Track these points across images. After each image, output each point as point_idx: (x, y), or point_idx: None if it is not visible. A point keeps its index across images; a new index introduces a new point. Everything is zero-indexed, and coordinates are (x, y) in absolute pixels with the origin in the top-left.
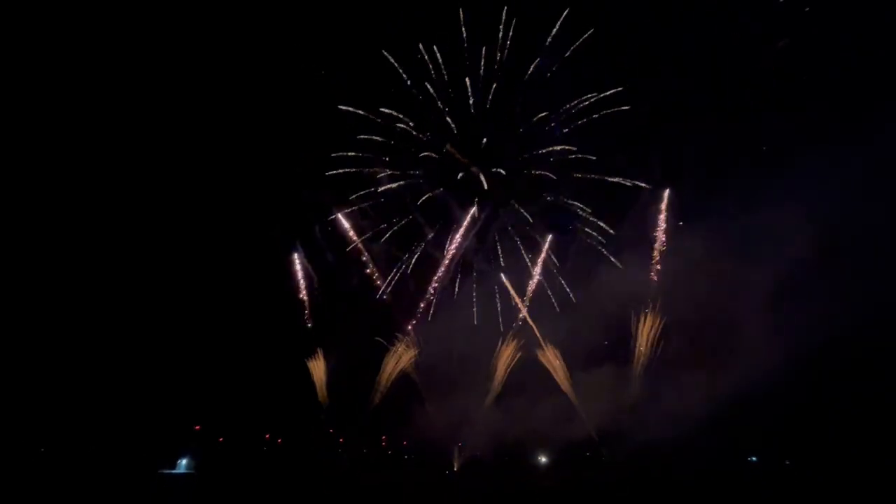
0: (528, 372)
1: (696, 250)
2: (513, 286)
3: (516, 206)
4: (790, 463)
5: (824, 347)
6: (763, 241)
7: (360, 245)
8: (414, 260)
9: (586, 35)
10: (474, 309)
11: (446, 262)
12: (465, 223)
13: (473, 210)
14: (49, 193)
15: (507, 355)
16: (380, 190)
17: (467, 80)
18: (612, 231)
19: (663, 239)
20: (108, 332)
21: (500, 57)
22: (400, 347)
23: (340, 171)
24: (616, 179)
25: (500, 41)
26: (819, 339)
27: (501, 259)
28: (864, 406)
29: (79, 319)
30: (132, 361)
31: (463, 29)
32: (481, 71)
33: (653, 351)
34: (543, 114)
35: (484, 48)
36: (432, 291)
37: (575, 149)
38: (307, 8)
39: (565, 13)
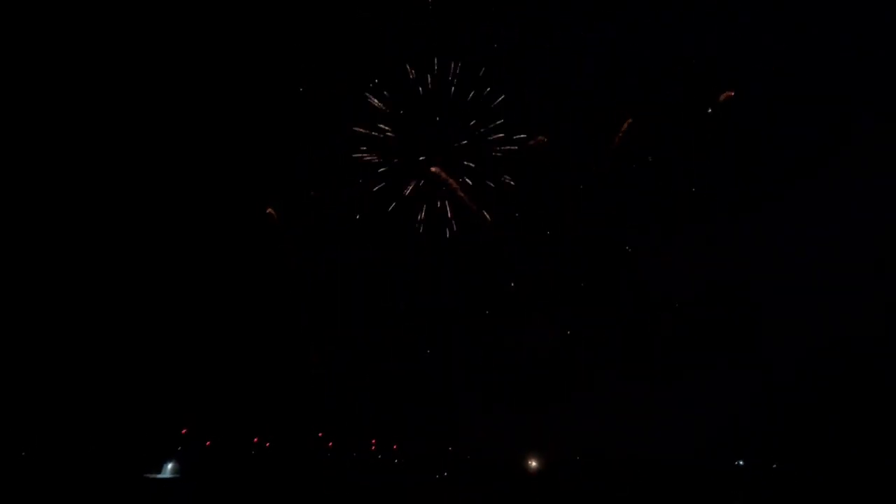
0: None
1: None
2: None
3: None
4: (777, 466)
5: (822, 349)
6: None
7: None
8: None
9: None
10: None
11: None
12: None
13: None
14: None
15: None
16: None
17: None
18: None
19: None
20: (92, 331)
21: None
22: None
23: None
24: None
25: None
26: (819, 341)
27: None
28: (859, 411)
29: (60, 318)
30: (117, 361)
31: None
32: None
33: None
34: None
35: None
36: None
37: None
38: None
39: None
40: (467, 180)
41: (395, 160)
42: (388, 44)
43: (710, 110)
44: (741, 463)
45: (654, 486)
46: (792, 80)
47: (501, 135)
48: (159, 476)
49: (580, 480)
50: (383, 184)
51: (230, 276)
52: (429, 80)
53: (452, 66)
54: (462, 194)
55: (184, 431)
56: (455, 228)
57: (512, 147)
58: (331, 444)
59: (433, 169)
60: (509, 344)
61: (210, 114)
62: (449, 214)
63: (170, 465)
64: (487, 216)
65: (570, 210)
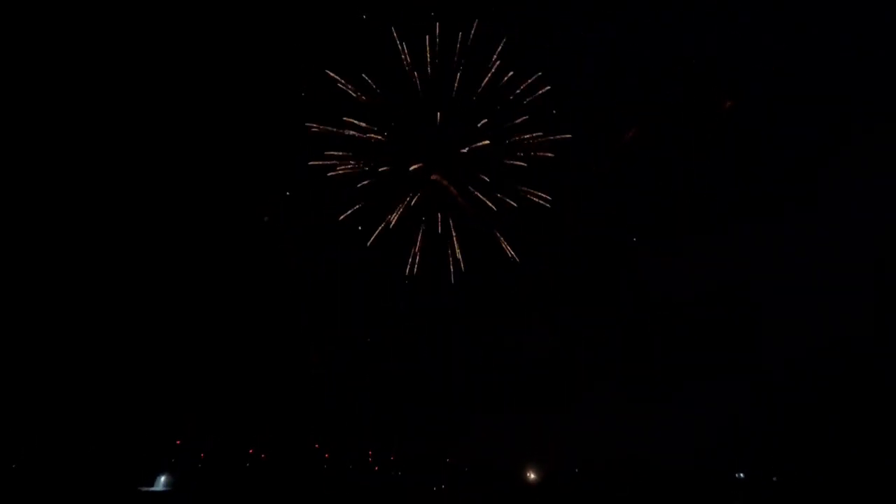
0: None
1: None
2: None
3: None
4: (777, 479)
5: (826, 353)
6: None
7: None
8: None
9: None
10: None
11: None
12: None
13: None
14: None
15: None
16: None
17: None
18: None
19: None
20: (82, 337)
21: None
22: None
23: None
24: None
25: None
26: (822, 345)
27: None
28: (863, 418)
29: (50, 324)
30: (107, 370)
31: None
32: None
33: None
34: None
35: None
36: None
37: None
38: None
39: None
40: (481, 197)
41: (382, 168)
42: (378, 23)
43: (713, 117)
44: (741, 475)
45: (653, 493)
46: (792, 81)
47: (538, 135)
48: (152, 489)
49: (579, 491)
50: (357, 206)
51: (224, 279)
52: (428, 61)
53: (458, 44)
54: (464, 203)
55: (177, 442)
56: (463, 268)
57: (545, 153)
58: (327, 455)
59: (433, 177)
60: (509, 346)
61: (200, 111)
62: (456, 249)
63: (162, 478)
64: (510, 250)
65: (570, 210)
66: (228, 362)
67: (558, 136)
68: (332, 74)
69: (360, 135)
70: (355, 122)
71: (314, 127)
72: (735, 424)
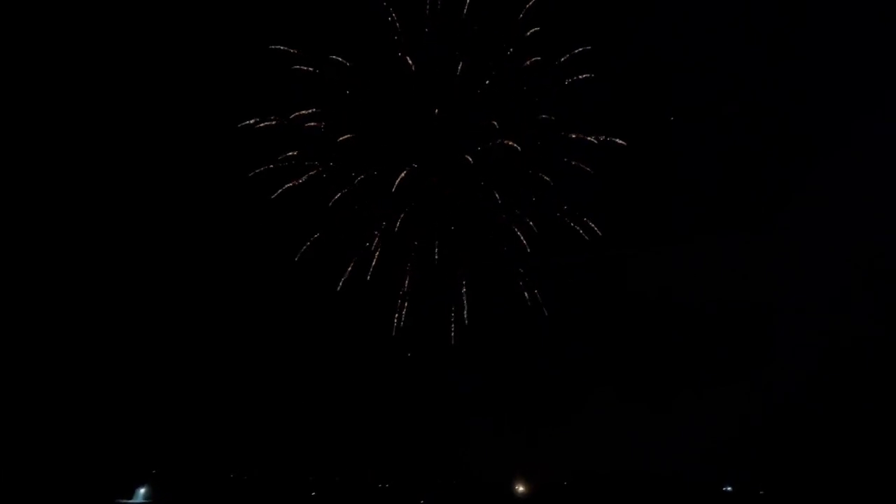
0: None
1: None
2: None
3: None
4: (764, 493)
5: (808, 370)
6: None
7: None
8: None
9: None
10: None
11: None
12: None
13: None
14: None
15: None
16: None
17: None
18: None
19: None
20: (61, 347)
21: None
22: None
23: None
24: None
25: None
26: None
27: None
28: (846, 435)
29: (29, 331)
30: (88, 380)
31: None
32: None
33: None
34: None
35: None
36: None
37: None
38: None
39: None
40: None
41: (359, 178)
42: None
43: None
44: (729, 489)
45: None
46: (794, 82)
47: (580, 137)
48: (130, 502)
49: None
50: (319, 234)
51: (215, 283)
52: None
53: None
54: (461, 206)
55: (159, 453)
56: (467, 322)
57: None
58: (311, 467)
59: (433, 180)
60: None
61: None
62: (462, 293)
63: (142, 491)
64: (535, 296)
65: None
66: (210, 375)
67: (607, 139)
68: (282, 48)
69: (317, 123)
70: (315, 110)
71: (256, 122)
72: (722, 438)
